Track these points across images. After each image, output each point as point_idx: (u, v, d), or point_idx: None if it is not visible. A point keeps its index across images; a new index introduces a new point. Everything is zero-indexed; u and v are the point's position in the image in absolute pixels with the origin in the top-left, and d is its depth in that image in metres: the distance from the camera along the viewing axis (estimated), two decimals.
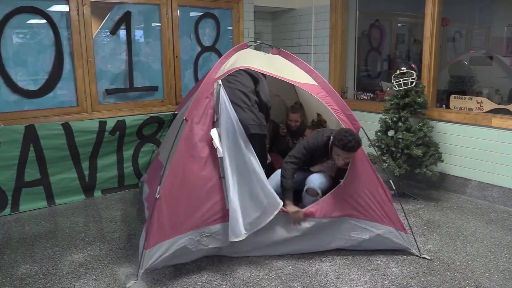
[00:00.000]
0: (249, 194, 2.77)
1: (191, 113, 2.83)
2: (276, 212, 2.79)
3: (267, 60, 3.27)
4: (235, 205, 2.71)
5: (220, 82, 2.87)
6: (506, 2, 5.50)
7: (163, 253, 2.61)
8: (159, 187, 2.68)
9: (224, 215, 2.75)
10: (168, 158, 2.87)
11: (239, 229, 2.71)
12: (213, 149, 2.77)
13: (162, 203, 2.66)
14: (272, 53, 3.51)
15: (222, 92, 2.83)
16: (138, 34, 4.55)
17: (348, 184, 2.93)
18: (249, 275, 2.75)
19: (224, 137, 2.77)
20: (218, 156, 2.75)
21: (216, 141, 2.75)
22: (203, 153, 2.77)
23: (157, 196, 2.65)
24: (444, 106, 4.47)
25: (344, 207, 2.92)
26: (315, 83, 3.16)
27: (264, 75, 3.24)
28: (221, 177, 2.76)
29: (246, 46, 3.45)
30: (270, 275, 2.75)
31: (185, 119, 2.81)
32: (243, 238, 2.72)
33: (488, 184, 4.03)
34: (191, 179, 2.73)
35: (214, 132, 2.78)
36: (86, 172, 4.19)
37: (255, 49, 4.00)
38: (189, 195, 2.71)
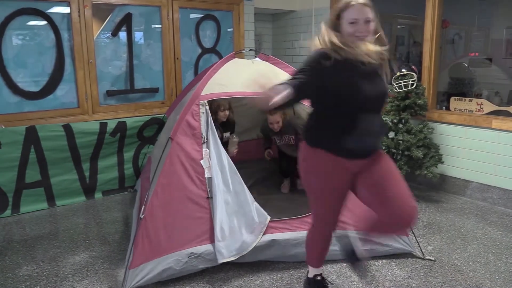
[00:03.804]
0: (236, 214, 2.72)
1: (176, 131, 2.79)
2: (264, 228, 2.72)
3: (251, 72, 3.26)
4: (224, 225, 2.67)
5: (206, 102, 2.86)
6: (505, 4, 5.52)
7: (147, 273, 2.53)
8: (143, 206, 2.64)
9: (214, 235, 2.69)
10: (154, 176, 2.82)
11: (228, 250, 2.64)
12: (199, 169, 2.74)
13: (147, 223, 2.61)
14: (260, 59, 3.50)
15: (209, 114, 2.84)
16: (139, 35, 4.57)
17: None
18: (251, 276, 2.75)
19: (212, 157, 2.76)
20: (206, 176, 2.73)
21: (206, 162, 2.74)
22: (189, 173, 2.73)
23: (142, 216, 2.61)
24: (444, 108, 4.48)
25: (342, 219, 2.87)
26: None
27: None
28: (208, 198, 2.73)
29: (233, 57, 3.41)
30: (272, 276, 2.76)
31: (171, 138, 2.78)
32: (233, 259, 2.65)
33: (489, 185, 4.03)
34: (177, 198, 2.68)
35: (204, 153, 2.77)
36: (87, 174, 4.18)
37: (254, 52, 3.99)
38: (174, 215, 2.66)
